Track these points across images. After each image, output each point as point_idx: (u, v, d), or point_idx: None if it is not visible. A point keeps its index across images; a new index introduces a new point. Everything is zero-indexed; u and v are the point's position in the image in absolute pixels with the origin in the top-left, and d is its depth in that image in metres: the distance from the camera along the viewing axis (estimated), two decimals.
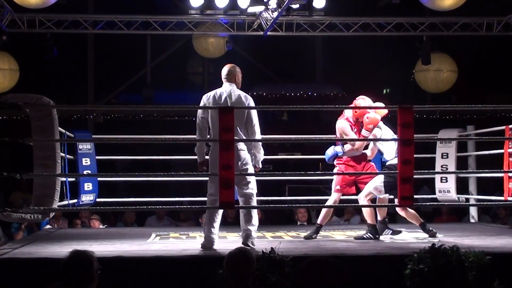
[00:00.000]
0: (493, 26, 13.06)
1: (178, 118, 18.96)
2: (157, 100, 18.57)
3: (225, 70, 7.61)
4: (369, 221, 8.28)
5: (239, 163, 7.24)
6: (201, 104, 7.55)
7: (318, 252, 6.99)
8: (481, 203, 11.09)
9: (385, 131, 8.49)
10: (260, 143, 7.51)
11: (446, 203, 10.73)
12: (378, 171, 8.53)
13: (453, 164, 10.51)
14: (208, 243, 7.18)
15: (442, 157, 10.62)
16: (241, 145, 7.33)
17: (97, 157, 10.29)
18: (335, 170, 8.65)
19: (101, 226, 11.10)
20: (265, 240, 8.01)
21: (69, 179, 9.60)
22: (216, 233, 7.30)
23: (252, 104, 7.41)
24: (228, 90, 7.50)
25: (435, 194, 10.71)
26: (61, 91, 17.08)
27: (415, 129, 7.12)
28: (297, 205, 11.43)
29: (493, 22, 13.05)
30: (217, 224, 7.32)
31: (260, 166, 7.54)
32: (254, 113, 7.39)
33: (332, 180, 8.92)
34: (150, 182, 14.08)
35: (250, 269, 4.75)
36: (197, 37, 13.79)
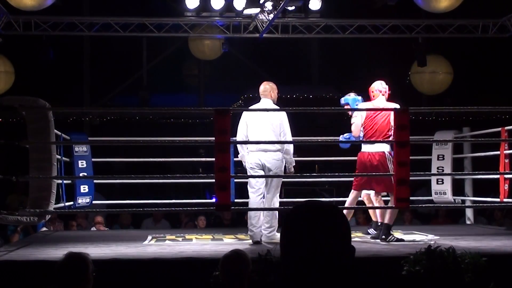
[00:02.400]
0: (488, 28, 13.07)
1: (174, 120, 18.95)
2: (153, 102, 18.53)
3: (261, 88, 8.43)
4: (386, 221, 8.17)
5: (273, 171, 8.10)
6: (242, 118, 8.34)
7: None
8: (477, 204, 11.10)
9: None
10: (292, 150, 8.34)
11: (442, 205, 10.74)
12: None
13: (449, 166, 10.53)
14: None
15: (438, 159, 10.64)
16: (276, 155, 8.13)
17: (93, 159, 10.29)
18: None
19: (106, 229, 11.11)
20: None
21: (65, 182, 9.59)
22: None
23: (284, 117, 8.25)
24: (263, 104, 8.31)
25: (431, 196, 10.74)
26: (57, 93, 17.03)
27: (411, 131, 7.14)
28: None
29: (489, 24, 13.06)
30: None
31: (292, 170, 8.43)
32: (286, 124, 8.25)
33: (328, 182, 8.99)
34: (146, 184, 14.08)
35: (246, 271, 4.76)
36: (193, 39, 13.78)
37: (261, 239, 7.98)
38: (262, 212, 8.09)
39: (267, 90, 8.35)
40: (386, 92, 8.34)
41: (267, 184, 8.19)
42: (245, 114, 8.32)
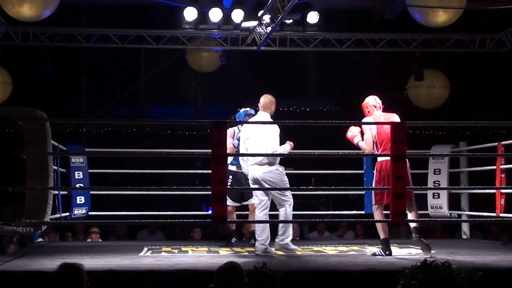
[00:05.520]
0: (485, 43, 13.13)
1: (171, 132, 18.94)
2: (151, 114, 18.54)
3: (262, 100, 8.50)
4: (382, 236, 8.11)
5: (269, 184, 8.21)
6: (241, 131, 8.63)
7: (309, 267, 6.99)
8: (473, 219, 11.09)
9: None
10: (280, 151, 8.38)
11: (438, 219, 10.74)
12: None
13: (446, 180, 10.52)
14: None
15: (434, 173, 10.64)
16: (269, 168, 8.23)
17: (89, 171, 10.28)
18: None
19: (99, 240, 11.09)
20: (257, 255, 8.01)
21: (62, 193, 9.58)
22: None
23: (270, 130, 8.21)
24: (260, 118, 8.44)
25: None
26: (54, 104, 17.03)
27: (408, 145, 7.14)
28: (290, 220, 11.41)
29: (486, 38, 13.12)
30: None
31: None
32: (270, 136, 8.23)
33: (325, 195, 9.00)
34: (142, 196, 14.07)
35: (240, 283, 4.77)
36: (190, 51, 13.80)
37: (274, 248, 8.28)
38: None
39: (268, 103, 8.46)
40: (380, 106, 8.37)
41: (271, 197, 8.38)
42: (242, 128, 8.55)
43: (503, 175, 9.37)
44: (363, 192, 10.84)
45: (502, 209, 9.34)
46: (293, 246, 8.34)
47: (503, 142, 9.44)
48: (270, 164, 8.25)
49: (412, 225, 8.06)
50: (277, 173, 8.27)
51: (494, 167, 9.48)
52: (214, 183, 6.73)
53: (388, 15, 13.36)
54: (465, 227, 10.83)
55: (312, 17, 12.07)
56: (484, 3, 12.23)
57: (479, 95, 18.15)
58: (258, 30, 12.19)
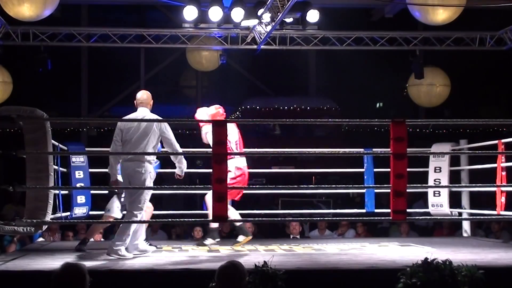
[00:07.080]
0: (485, 41, 13.13)
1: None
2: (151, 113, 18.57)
3: (140, 96, 8.40)
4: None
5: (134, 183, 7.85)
6: (118, 128, 8.12)
7: (310, 265, 6.99)
8: (474, 217, 11.09)
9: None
10: (183, 158, 8.34)
11: (438, 217, 10.74)
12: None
13: (446, 178, 10.52)
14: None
15: (435, 171, 10.63)
16: (139, 165, 7.87)
17: (90, 170, 10.27)
18: None
19: (102, 240, 11.08)
20: (258, 254, 8.02)
21: (62, 192, 9.58)
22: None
23: (166, 127, 8.16)
24: (141, 114, 8.26)
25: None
26: (54, 103, 17.08)
27: (408, 143, 7.14)
28: (290, 218, 11.43)
29: (486, 36, 13.12)
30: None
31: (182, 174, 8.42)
32: (169, 134, 8.15)
33: (326, 193, 9.00)
34: None
35: (241, 282, 4.77)
36: (190, 50, 13.81)
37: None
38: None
39: (146, 99, 8.36)
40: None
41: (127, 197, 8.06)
42: (120, 124, 8.15)
43: (503, 173, 9.36)
44: (363, 191, 10.84)
45: (503, 207, 9.34)
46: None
47: (503, 140, 9.44)
48: (141, 161, 7.84)
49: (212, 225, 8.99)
50: (142, 173, 7.84)
51: (495, 165, 9.47)
52: (215, 182, 6.73)
53: (388, 13, 13.36)
54: (466, 225, 10.82)
55: (312, 16, 12.05)
56: (484, 1, 12.24)
57: (480, 93, 18.18)
58: (258, 29, 12.18)
